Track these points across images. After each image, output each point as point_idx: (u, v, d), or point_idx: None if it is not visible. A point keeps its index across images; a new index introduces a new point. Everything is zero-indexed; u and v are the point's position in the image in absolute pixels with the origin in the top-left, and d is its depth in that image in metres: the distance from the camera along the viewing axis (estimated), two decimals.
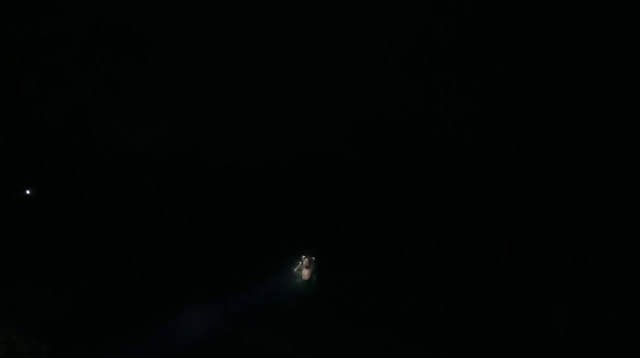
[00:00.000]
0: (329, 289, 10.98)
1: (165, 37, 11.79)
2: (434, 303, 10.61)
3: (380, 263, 11.21)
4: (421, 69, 11.60)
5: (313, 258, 10.97)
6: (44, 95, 11.96)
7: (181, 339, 9.73)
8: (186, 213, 11.97)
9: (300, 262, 10.96)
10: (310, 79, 11.76)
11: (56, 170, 12.13)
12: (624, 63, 10.89)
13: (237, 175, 12.18)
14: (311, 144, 11.87)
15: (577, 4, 10.80)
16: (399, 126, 11.84)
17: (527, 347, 9.78)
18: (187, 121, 12.09)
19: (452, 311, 10.48)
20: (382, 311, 10.59)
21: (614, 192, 10.98)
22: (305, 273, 10.88)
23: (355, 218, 11.69)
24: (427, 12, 11.32)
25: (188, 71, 11.93)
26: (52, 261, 11.18)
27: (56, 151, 12.13)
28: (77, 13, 11.60)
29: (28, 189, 12.03)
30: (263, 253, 11.41)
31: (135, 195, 12.05)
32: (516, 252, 11.02)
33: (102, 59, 11.85)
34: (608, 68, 10.92)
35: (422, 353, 9.79)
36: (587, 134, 11.11)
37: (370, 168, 11.94)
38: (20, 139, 11.97)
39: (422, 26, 11.38)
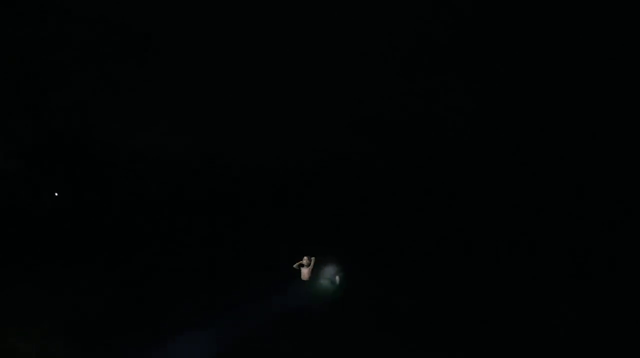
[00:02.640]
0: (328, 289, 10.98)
1: (165, 37, 11.80)
2: (434, 303, 10.61)
3: (380, 263, 11.21)
4: (421, 69, 11.61)
5: (313, 258, 10.96)
6: (44, 95, 11.97)
7: (181, 339, 9.75)
8: (186, 214, 11.98)
9: (301, 263, 10.94)
10: (310, 79, 11.77)
11: (56, 170, 12.14)
12: (624, 63, 10.90)
13: (237, 175, 12.18)
14: (311, 144, 11.87)
15: (577, 4, 10.80)
16: (399, 126, 11.84)
17: (527, 347, 9.79)
18: (188, 121, 12.10)
19: (452, 311, 10.48)
20: (382, 311, 10.59)
21: (614, 192, 10.99)
22: (305, 273, 10.87)
23: (355, 218, 11.69)
24: (427, 12, 11.33)
25: (188, 71, 11.94)
26: (52, 261, 11.19)
27: (56, 151, 12.14)
28: (77, 13, 11.61)
29: (55, 192, 12.07)
30: (263, 254, 11.42)
31: (135, 195, 12.06)
32: (516, 252, 11.03)
33: (102, 59, 11.87)
34: (608, 68, 10.93)
35: (422, 353, 9.80)
36: (587, 134, 11.13)
37: (370, 168, 11.94)
38: (20, 139, 11.98)
39: (422, 26, 11.39)
